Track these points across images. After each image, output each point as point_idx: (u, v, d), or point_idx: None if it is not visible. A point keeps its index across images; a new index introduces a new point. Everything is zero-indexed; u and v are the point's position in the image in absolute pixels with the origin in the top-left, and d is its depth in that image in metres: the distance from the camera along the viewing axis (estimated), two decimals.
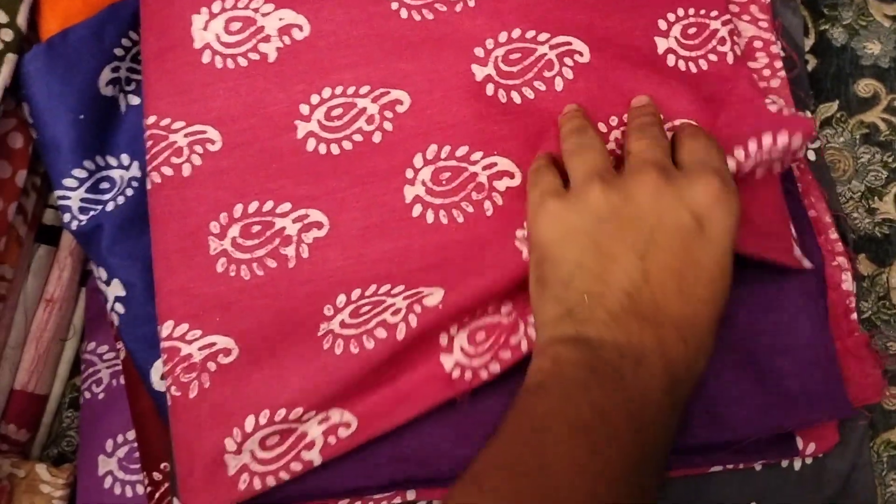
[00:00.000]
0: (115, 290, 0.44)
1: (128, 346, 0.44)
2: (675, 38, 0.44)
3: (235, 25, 0.44)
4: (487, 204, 0.40)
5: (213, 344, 0.40)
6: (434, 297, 0.37)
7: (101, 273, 0.45)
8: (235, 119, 0.43)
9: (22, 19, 0.43)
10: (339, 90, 0.43)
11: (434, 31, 0.44)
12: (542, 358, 0.30)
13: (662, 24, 0.44)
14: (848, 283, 0.42)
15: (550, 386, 0.28)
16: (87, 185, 0.44)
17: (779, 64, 0.46)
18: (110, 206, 0.44)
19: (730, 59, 0.44)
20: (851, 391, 0.40)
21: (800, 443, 0.41)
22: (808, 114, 0.49)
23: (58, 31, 0.44)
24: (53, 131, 0.43)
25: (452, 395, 0.37)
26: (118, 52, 0.46)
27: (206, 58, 0.44)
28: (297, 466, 0.38)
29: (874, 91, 0.51)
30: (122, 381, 0.46)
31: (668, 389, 0.28)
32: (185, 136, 0.43)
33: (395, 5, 0.44)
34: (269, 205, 0.42)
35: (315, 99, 0.43)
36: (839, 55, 0.52)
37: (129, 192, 0.45)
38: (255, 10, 0.44)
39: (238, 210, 0.42)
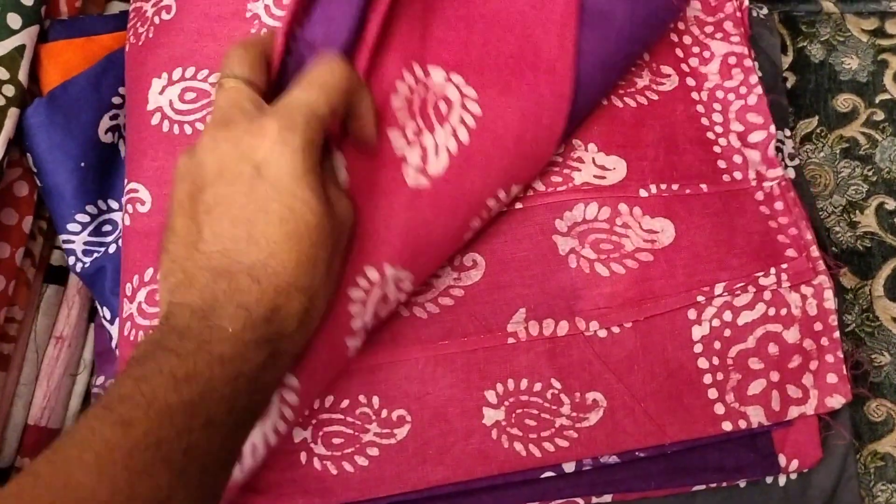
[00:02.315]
0: (118, 329, 0.46)
1: None
2: None
3: (190, 95, 0.44)
4: None
5: None
6: None
7: (105, 313, 0.47)
8: (168, 183, 0.43)
9: (23, 75, 0.45)
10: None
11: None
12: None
13: None
14: (830, 301, 0.43)
15: (119, 379, 0.29)
16: (90, 228, 0.46)
17: (754, 79, 0.47)
18: (112, 248, 0.46)
19: None
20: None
21: (782, 460, 0.42)
22: (788, 132, 0.50)
23: (58, 83, 0.46)
24: (56, 179, 0.46)
25: None
26: (116, 100, 0.48)
27: (154, 120, 0.44)
28: None
29: (853, 105, 0.52)
30: None
31: (247, 328, 0.29)
32: (127, 192, 0.44)
33: None
34: None
35: None
36: (818, 71, 0.53)
37: None
38: (212, 85, 0.44)
39: (149, 274, 0.42)
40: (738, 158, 0.45)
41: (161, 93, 0.44)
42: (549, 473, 0.41)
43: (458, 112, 0.39)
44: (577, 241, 0.42)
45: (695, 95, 0.46)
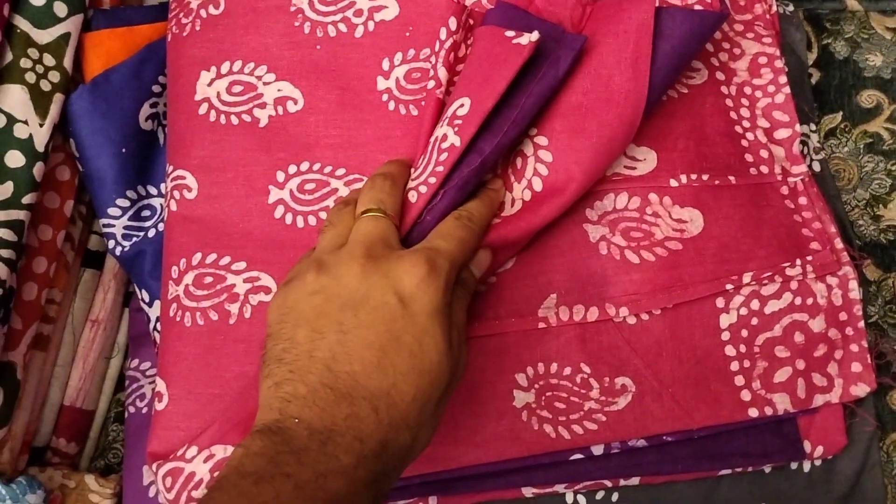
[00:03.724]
0: (157, 311, 0.47)
1: None
2: None
3: (237, 88, 0.46)
4: None
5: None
6: None
7: (144, 295, 0.48)
8: (214, 170, 0.45)
9: (68, 62, 0.46)
10: (316, 166, 0.44)
11: (418, 127, 0.43)
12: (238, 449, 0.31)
13: None
14: (854, 291, 0.44)
15: (226, 485, 0.29)
16: (130, 213, 0.48)
17: (783, 79, 0.48)
18: (152, 233, 0.48)
19: None
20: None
21: (807, 446, 0.43)
22: (813, 126, 0.50)
23: (100, 71, 0.48)
24: (98, 164, 0.47)
25: None
26: (156, 88, 0.49)
27: (202, 110, 0.46)
28: None
29: (877, 101, 0.53)
30: None
31: (359, 461, 0.29)
32: (172, 179, 0.46)
33: (385, 97, 0.45)
34: (225, 259, 0.43)
35: (292, 169, 0.44)
36: (842, 68, 0.54)
37: None
38: (259, 78, 0.46)
39: (196, 258, 0.44)
40: (764, 153, 0.46)
41: (209, 84, 0.46)
42: (578, 456, 0.42)
43: (532, 164, 0.41)
44: (608, 229, 0.43)
45: (724, 90, 0.47)
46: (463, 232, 0.37)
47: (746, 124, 0.47)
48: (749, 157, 0.46)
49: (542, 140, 0.41)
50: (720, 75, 0.47)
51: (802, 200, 0.46)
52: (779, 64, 0.48)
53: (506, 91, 0.37)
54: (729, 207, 0.44)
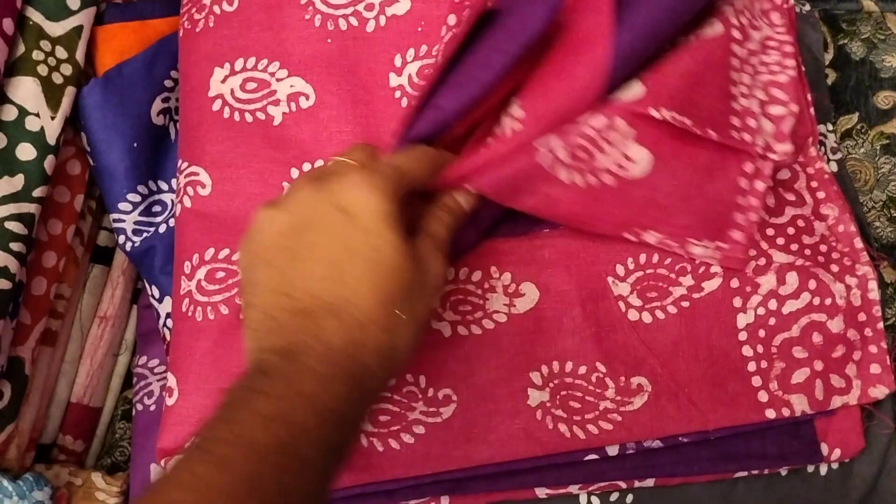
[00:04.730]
0: (167, 307, 0.46)
1: None
2: None
3: (251, 85, 0.45)
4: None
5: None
6: None
7: (154, 291, 0.47)
8: (228, 167, 0.45)
9: (80, 55, 0.46)
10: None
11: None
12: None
13: None
14: (874, 292, 0.43)
15: (209, 419, 0.29)
16: (141, 208, 0.47)
17: (790, 62, 0.45)
18: (162, 228, 0.47)
19: None
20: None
21: (824, 449, 0.42)
22: (830, 126, 0.50)
23: (112, 65, 0.47)
24: (109, 158, 0.47)
25: None
26: (168, 83, 0.49)
27: (216, 106, 0.45)
28: None
29: (894, 102, 0.52)
30: None
31: (331, 364, 0.30)
32: (185, 175, 0.45)
33: (397, 94, 0.44)
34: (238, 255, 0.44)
35: (307, 166, 0.44)
36: (858, 68, 0.53)
37: None
38: (272, 75, 0.45)
39: (209, 254, 0.43)
40: (752, 122, 0.44)
41: (223, 81, 0.45)
42: (593, 456, 0.41)
43: (509, 124, 0.40)
44: (561, 143, 0.39)
45: (735, 48, 0.44)
46: (411, 151, 0.37)
47: (745, 90, 0.44)
48: (736, 121, 0.43)
49: (516, 111, 0.40)
50: (737, 34, 0.44)
51: (759, 185, 0.43)
52: (789, 49, 0.46)
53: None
54: (683, 166, 0.42)
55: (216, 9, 0.46)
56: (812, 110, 0.47)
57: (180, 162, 0.46)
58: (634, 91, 0.40)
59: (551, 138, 0.39)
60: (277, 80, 0.45)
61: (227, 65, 0.46)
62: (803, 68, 0.49)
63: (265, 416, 0.28)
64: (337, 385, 0.30)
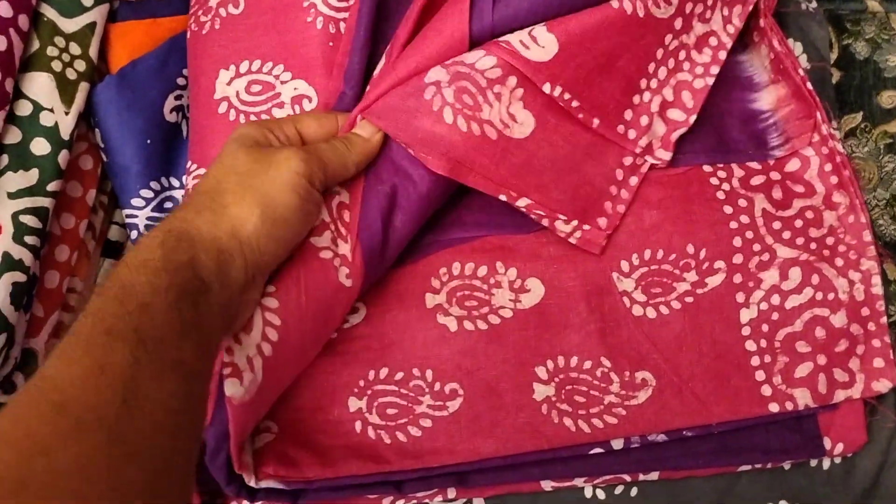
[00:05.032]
0: None
1: None
2: None
3: (256, 87, 0.46)
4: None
5: None
6: None
7: None
8: None
9: (94, 51, 0.47)
10: None
11: None
12: None
13: None
14: (877, 287, 0.44)
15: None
16: (153, 204, 0.48)
17: (715, 70, 0.46)
18: None
19: None
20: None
21: (827, 443, 0.43)
22: (835, 124, 0.50)
23: (125, 62, 0.48)
24: (123, 154, 0.47)
25: None
26: (180, 81, 0.49)
27: (221, 108, 0.46)
28: None
29: None
30: None
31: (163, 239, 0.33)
32: (192, 177, 0.46)
33: None
34: None
35: None
36: (862, 68, 0.54)
37: None
38: (276, 77, 0.46)
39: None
40: (644, 120, 0.44)
41: (229, 83, 0.46)
42: (598, 450, 0.42)
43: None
44: (451, 89, 0.40)
45: (667, 39, 0.44)
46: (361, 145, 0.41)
47: (654, 84, 0.45)
48: (628, 115, 0.44)
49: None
50: (678, 23, 0.44)
51: (633, 181, 0.44)
52: (722, 56, 0.46)
53: None
54: (563, 140, 0.42)
55: (222, 11, 0.47)
56: (809, 87, 0.47)
57: (189, 163, 0.46)
58: (546, 50, 0.40)
59: (439, 71, 0.40)
60: (282, 82, 0.46)
61: (232, 67, 0.46)
62: (808, 66, 0.49)
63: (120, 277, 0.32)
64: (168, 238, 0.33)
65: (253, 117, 0.46)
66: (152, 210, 0.48)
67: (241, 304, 0.36)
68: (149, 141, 0.47)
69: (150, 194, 0.48)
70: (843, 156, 0.46)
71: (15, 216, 0.43)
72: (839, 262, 0.44)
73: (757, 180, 0.46)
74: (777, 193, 0.45)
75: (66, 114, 0.45)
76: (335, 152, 0.39)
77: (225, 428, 0.37)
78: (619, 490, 0.44)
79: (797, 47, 0.50)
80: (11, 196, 0.43)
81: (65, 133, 0.45)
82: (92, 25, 0.47)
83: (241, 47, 0.47)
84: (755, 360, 0.42)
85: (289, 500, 0.42)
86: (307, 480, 0.40)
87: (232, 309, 0.35)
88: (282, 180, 0.36)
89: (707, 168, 0.44)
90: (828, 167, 0.46)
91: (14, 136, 0.43)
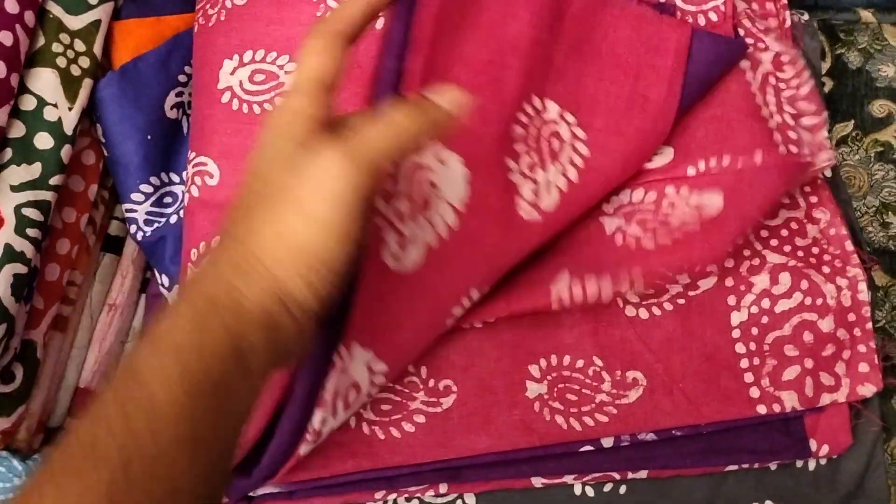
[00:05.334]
0: None
1: None
2: None
3: (259, 77, 0.47)
4: None
5: None
6: None
7: (164, 280, 0.49)
8: (236, 158, 0.46)
9: (98, 48, 0.47)
10: None
11: None
12: None
13: None
14: (864, 293, 0.45)
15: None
16: (153, 199, 0.49)
17: (806, 74, 0.47)
18: (173, 219, 0.48)
19: None
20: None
21: (813, 445, 0.43)
22: (826, 133, 0.51)
23: (128, 59, 0.49)
24: (124, 150, 0.48)
25: None
26: (182, 78, 0.50)
27: (224, 98, 0.47)
28: None
29: (888, 111, 0.54)
30: None
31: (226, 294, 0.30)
32: (193, 166, 0.46)
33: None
34: None
35: None
36: (854, 77, 0.55)
37: None
38: (280, 67, 0.47)
39: (216, 241, 0.44)
40: (793, 134, 0.46)
41: (232, 73, 0.46)
42: (588, 447, 0.43)
43: (569, 152, 0.42)
44: (624, 220, 0.43)
45: (748, 76, 0.46)
46: (409, 121, 0.33)
47: (773, 109, 0.46)
48: (777, 137, 0.45)
49: (580, 132, 0.42)
50: (745, 63, 0.46)
51: (813, 199, 0.47)
52: (801, 62, 0.48)
53: None
54: (750, 188, 0.43)
55: (228, 3, 0.48)
56: None
57: (190, 153, 0.47)
58: (665, 156, 0.44)
59: (615, 221, 0.44)
60: (286, 72, 0.47)
61: (235, 56, 0.47)
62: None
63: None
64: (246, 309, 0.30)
65: (256, 107, 0.46)
66: (152, 205, 0.49)
67: None
68: (149, 136, 0.48)
69: (149, 189, 0.48)
70: (821, 180, 0.47)
71: (17, 209, 0.43)
72: (826, 269, 0.45)
73: None
74: None
75: (70, 109, 0.46)
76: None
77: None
78: (608, 488, 0.44)
79: None
80: (14, 189, 0.43)
81: (68, 128, 0.45)
82: (97, 23, 0.47)
83: (245, 38, 0.47)
84: (744, 363, 0.43)
85: (283, 498, 0.42)
86: (302, 482, 0.41)
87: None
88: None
89: (702, 166, 0.44)
90: (807, 188, 0.47)
91: (18, 130, 0.44)
